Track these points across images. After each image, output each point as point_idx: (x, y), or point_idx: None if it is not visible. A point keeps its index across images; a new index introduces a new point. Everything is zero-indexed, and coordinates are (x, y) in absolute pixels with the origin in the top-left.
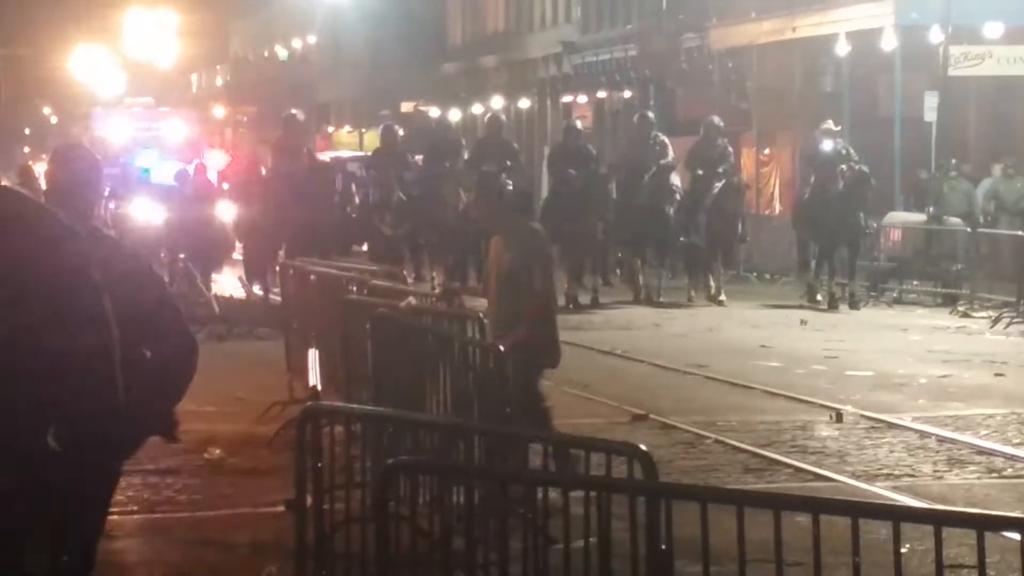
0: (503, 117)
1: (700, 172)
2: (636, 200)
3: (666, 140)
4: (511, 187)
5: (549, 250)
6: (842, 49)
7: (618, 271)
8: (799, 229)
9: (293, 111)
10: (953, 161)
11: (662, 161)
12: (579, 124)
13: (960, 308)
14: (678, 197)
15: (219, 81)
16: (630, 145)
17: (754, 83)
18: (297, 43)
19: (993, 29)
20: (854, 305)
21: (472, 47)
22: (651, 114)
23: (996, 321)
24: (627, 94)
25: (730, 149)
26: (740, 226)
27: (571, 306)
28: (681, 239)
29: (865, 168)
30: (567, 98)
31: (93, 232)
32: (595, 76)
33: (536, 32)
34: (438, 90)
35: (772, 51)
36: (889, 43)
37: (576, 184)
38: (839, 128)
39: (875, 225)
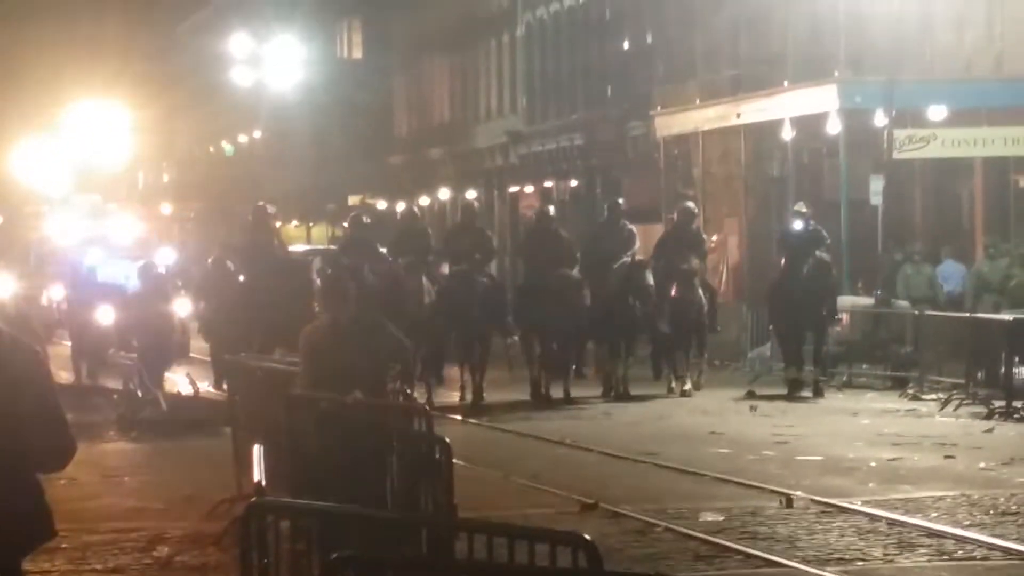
0: (476, 205)
1: (639, 259)
2: (605, 290)
3: (633, 229)
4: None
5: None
6: (787, 134)
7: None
8: (773, 316)
9: (261, 203)
10: (918, 245)
11: (638, 258)
12: (552, 210)
13: (910, 391)
14: (652, 296)
15: (165, 178)
16: (598, 233)
17: (700, 169)
18: (243, 138)
19: (937, 112)
20: (818, 393)
21: (418, 138)
22: (621, 200)
23: (946, 403)
24: (574, 183)
25: (703, 237)
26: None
27: (541, 398)
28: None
29: (827, 257)
30: (514, 188)
31: None
32: (542, 165)
33: (482, 123)
34: (385, 182)
35: (717, 137)
36: (834, 127)
37: (552, 283)
38: (808, 211)
39: (840, 317)
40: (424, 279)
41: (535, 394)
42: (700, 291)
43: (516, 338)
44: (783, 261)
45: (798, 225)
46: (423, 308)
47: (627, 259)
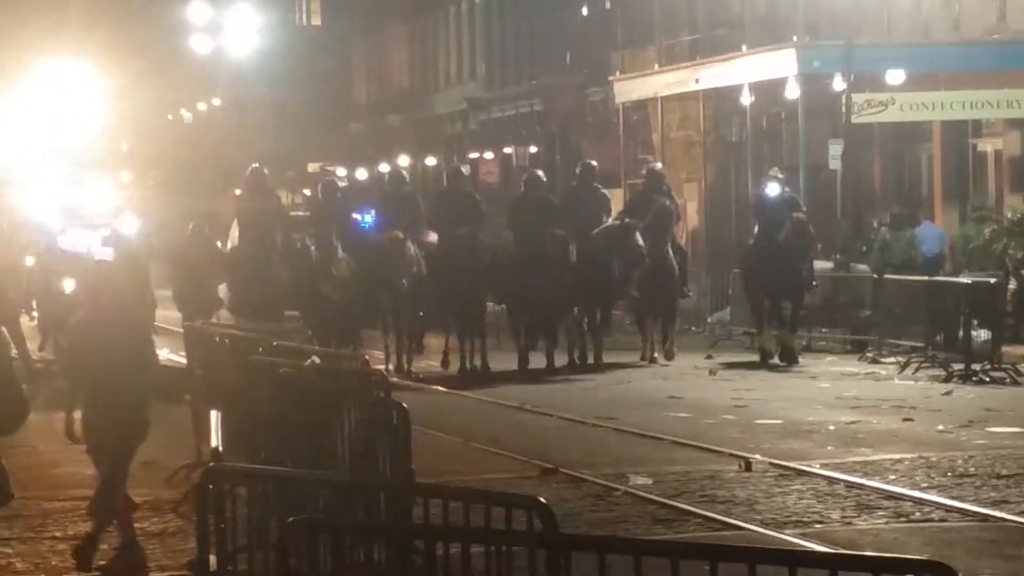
0: (465, 168)
1: (628, 220)
2: (584, 255)
3: (606, 192)
4: None
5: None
6: (746, 99)
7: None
8: (747, 281)
9: (256, 165)
10: (896, 209)
11: (627, 220)
12: (541, 174)
13: (869, 354)
14: (644, 258)
15: (124, 146)
16: (573, 197)
17: (659, 135)
18: (202, 106)
19: (895, 76)
20: (791, 359)
21: (377, 106)
22: (594, 163)
23: (904, 366)
24: (533, 149)
25: (675, 198)
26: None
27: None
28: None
29: (803, 217)
30: (474, 154)
31: None
32: (501, 132)
33: (441, 90)
34: (344, 150)
35: (676, 102)
36: (792, 92)
37: (548, 248)
38: (783, 176)
39: (816, 283)
40: (412, 247)
41: (523, 365)
42: (672, 254)
43: (504, 306)
44: (757, 227)
45: (773, 190)
46: (411, 277)
47: (615, 222)
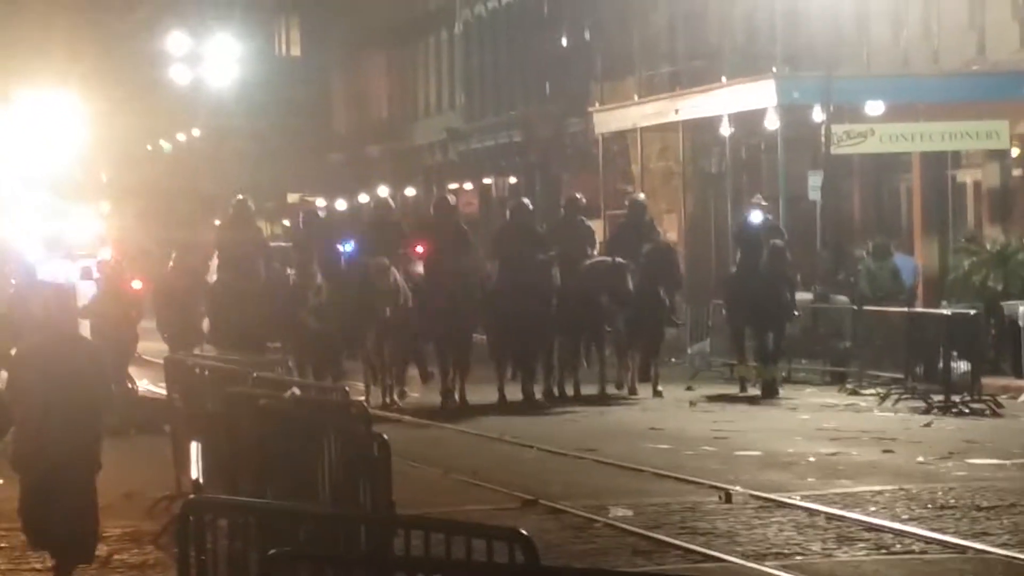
0: (452, 198)
1: (620, 260)
2: (570, 288)
3: (591, 224)
4: None
5: None
6: (725, 130)
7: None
8: (728, 310)
9: (241, 196)
10: (880, 240)
11: (618, 259)
12: (527, 202)
13: (849, 386)
14: (631, 300)
15: (103, 176)
16: (558, 230)
17: (639, 166)
18: (181, 136)
19: (874, 107)
20: (771, 392)
21: (357, 136)
22: (580, 196)
23: (884, 398)
24: (513, 180)
25: (658, 229)
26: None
27: (526, 405)
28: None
29: (780, 242)
30: (453, 185)
31: None
32: (480, 162)
33: (421, 120)
34: (324, 180)
35: (656, 133)
36: (772, 123)
37: (523, 274)
38: (766, 204)
39: (796, 313)
40: (396, 274)
41: (502, 399)
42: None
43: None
44: (739, 254)
45: (756, 218)
46: (399, 307)
47: (607, 259)
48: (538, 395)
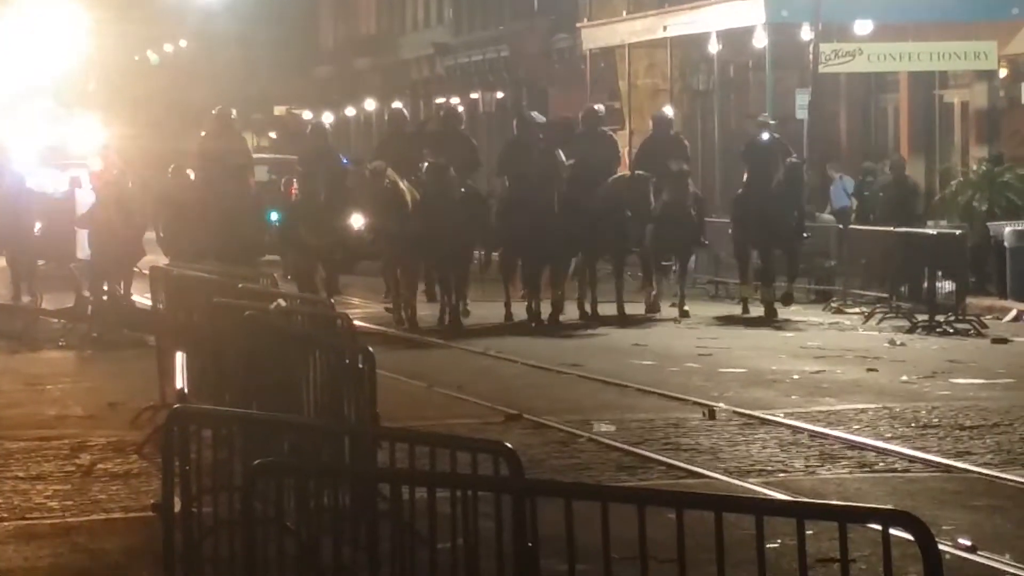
0: (461, 109)
1: (641, 172)
2: (594, 203)
3: (614, 136)
4: None
5: None
6: (713, 48)
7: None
8: (735, 231)
9: (222, 107)
10: (896, 158)
11: (638, 172)
12: (535, 114)
13: (833, 304)
14: (653, 214)
15: (90, 87)
16: (578, 144)
17: (626, 82)
18: (168, 48)
19: (863, 26)
20: (787, 302)
21: (344, 50)
22: (599, 107)
23: (869, 317)
24: (500, 95)
25: (685, 142)
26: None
27: (533, 324)
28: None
29: (797, 160)
30: (440, 99)
31: None
32: (468, 77)
33: (408, 34)
34: (311, 93)
35: (644, 50)
36: (760, 41)
37: (536, 186)
38: (775, 121)
39: (806, 235)
40: (403, 184)
41: (508, 316)
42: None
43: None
44: (746, 174)
45: (763, 136)
46: (407, 217)
47: (627, 174)
48: (544, 316)
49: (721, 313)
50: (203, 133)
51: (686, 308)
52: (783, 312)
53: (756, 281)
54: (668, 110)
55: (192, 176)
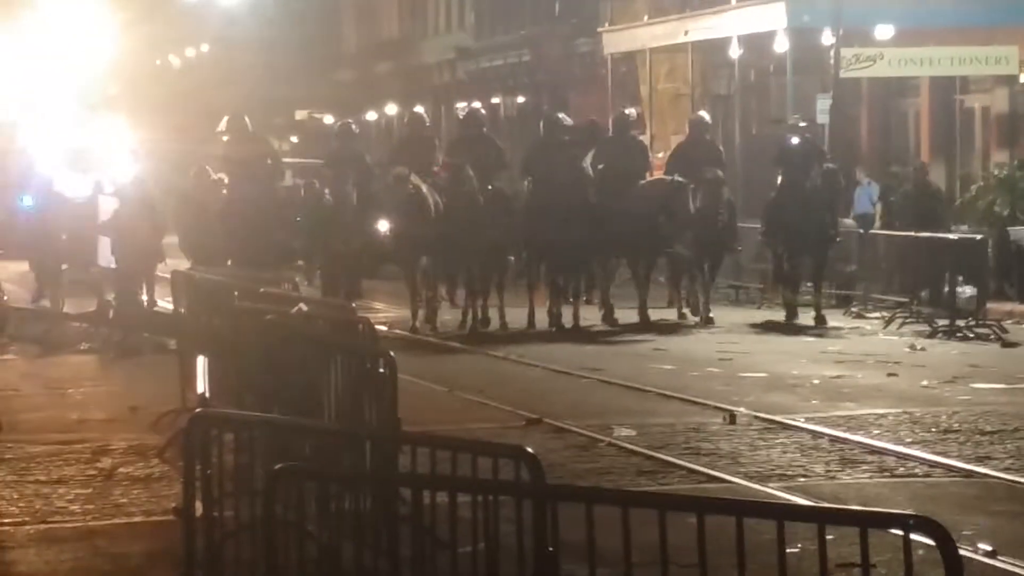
0: (483, 111)
1: (678, 177)
2: (624, 207)
3: (644, 141)
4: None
5: None
6: (734, 52)
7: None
8: (768, 236)
9: (231, 114)
10: (919, 164)
11: (677, 178)
12: (563, 116)
13: (854, 309)
14: (691, 223)
15: (113, 91)
16: (607, 149)
17: (647, 87)
18: (190, 52)
19: (884, 31)
20: (820, 320)
21: (366, 54)
22: (630, 111)
23: (889, 322)
24: (521, 100)
25: (720, 147)
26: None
27: (553, 328)
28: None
29: (833, 166)
30: (461, 104)
31: None
32: (489, 82)
33: (430, 38)
34: (332, 97)
35: (665, 55)
36: (781, 46)
37: (557, 193)
38: (806, 124)
39: (838, 239)
40: (425, 189)
41: (532, 322)
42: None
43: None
44: (780, 178)
45: (796, 139)
46: (430, 222)
47: (666, 178)
48: (566, 320)
49: (742, 318)
50: (225, 138)
51: (711, 315)
52: (805, 317)
53: (779, 283)
54: (704, 114)
55: (225, 180)
